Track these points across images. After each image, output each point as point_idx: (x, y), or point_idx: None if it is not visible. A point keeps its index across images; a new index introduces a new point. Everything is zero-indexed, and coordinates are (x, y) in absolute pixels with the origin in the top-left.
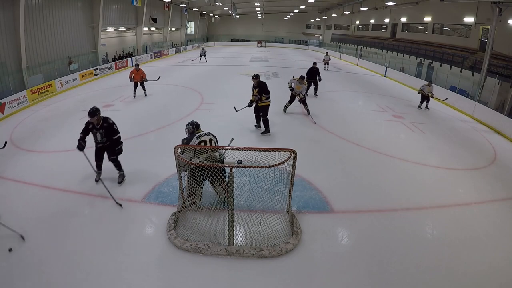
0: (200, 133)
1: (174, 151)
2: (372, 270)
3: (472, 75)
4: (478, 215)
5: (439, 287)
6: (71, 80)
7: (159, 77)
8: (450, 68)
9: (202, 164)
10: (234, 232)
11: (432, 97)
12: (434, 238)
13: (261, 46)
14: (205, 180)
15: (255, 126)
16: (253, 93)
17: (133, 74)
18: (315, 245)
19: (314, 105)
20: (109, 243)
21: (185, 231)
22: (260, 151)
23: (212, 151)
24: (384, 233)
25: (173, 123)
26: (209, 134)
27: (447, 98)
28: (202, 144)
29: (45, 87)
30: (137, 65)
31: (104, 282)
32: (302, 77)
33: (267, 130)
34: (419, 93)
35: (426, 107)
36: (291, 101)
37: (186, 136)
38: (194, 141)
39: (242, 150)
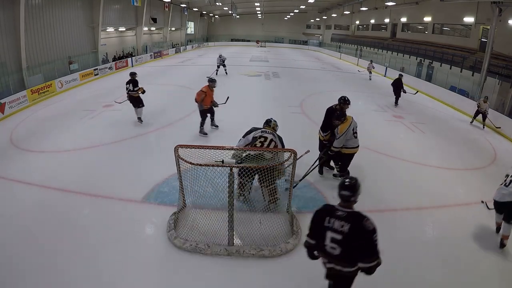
0: (267, 130)
1: (174, 151)
2: None
3: (472, 75)
4: (479, 215)
5: (439, 287)
6: (71, 80)
7: (228, 97)
8: (450, 68)
9: (202, 164)
10: (234, 232)
11: (487, 114)
12: (434, 238)
13: (260, 46)
14: (255, 175)
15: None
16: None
17: (203, 96)
18: None
19: (314, 105)
20: (109, 243)
21: (185, 231)
22: (260, 151)
23: (264, 150)
24: (384, 233)
25: (173, 123)
26: (274, 135)
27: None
28: (261, 139)
29: (45, 87)
30: (212, 80)
31: (104, 282)
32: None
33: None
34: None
35: (483, 126)
36: None
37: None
38: (257, 133)
39: (242, 150)
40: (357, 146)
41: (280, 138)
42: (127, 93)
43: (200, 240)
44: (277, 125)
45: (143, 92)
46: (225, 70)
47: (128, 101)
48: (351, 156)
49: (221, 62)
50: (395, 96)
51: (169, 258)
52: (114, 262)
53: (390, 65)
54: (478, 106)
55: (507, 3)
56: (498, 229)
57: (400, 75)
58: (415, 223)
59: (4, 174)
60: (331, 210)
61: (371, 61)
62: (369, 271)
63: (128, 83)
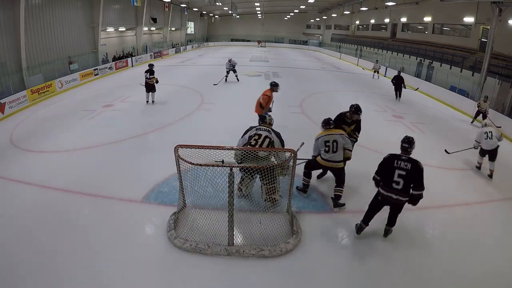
0: (262, 127)
1: (174, 151)
2: (372, 269)
3: (472, 75)
4: (479, 215)
5: (439, 287)
6: (71, 80)
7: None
8: (450, 68)
9: (202, 164)
10: (234, 232)
11: (487, 114)
12: (434, 238)
13: (261, 46)
14: (256, 174)
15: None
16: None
17: (267, 100)
18: (315, 245)
19: (314, 105)
20: (109, 243)
21: (185, 231)
22: (260, 151)
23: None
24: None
25: (173, 123)
26: (269, 131)
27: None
28: (256, 137)
29: (45, 87)
30: (276, 84)
31: (104, 282)
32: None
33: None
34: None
35: (485, 124)
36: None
37: None
38: (252, 131)
39: (242, 150)
40: (330, 161)
41: (277, 134)
42: (145, 79)
43: (200, 240)
44: (272, 120)
45: (157, 81)
46: (236, 76)
47: (144, 87)
48: (324, 167)
49: (231, 67)
50: (397, 91)
51: (169, 258)
52: (114, 262)
53: (390, 65)
54: (478, 106)
55: (507, 3)
56: (479, 168)
57: (399, 71)
58: (415, 223)
59: (4, 174)
60: (398, 156)
61: (377, 61)
62: (417, 199)
63: (146, 72)
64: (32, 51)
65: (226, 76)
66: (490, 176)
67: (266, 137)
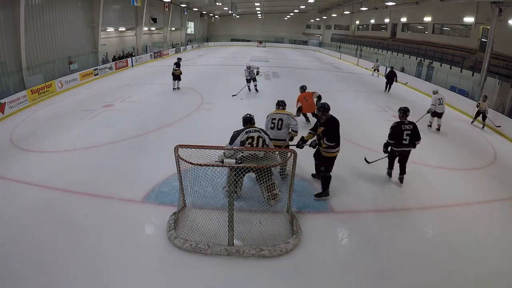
0: (250, 129)
1: (174, 151)
2: (372, 269)
3: (472, 75)
4: (479, 215)
5: (439, 287)
6: (71, 80)
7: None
8: (450, 68)
9: (202, 164)
10: (234, 232)
11: (487, 114)
12: (434, 238)
13: (262, 46)
14: (246, 173)
15: (312, 175)
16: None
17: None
18: (315, 245)
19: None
20: (109, 243)
21: (185, 231)
22: (260, 151)
23: (256, 150)
24: (384, 233)
25: (173, 123)
26: (259, 131)
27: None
28: (249, 140)
29: (45, 87)
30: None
31: (104, 282)
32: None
33: (324, 193)
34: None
35: (483, 127)
36: None
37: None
38: (243, 136)
39: (242, 150)
40: (274, 139)
41: (264, 132)
42: (172, 70)
43: (200, 240)
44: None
45: (181, 73)
46: (255, 86)
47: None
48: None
49: (251, 75)
50: (388, 85)
51: (169, 258)
52: (114, 262)
53: (390, 65)
54: (477, 106)
55: (507, 3)
56: (430, 126)
57: (392, 67)
58: (415, 223)
59: (4, 174)
60: (402, 122)
61: (377, 60)
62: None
63: (174, 64)
64: (32, 51)
65: (248, 86)
66: (438, 129)
67: (259, 137)
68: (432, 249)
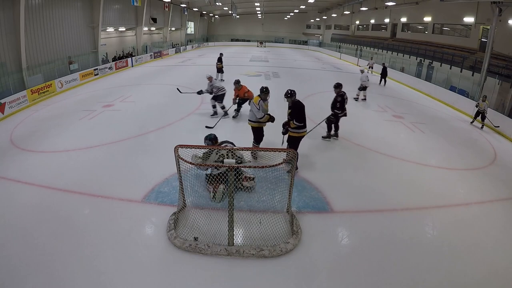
0: (212, 150)
1: (174, 151)
2: (372, 270)
3: (472, 75)
4: (479, 215)
5: (439, 287)
6: (71, 80)
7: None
8: (450, 68)
9: (203, 164)
10: (234, 232)
11: (486, 114)
12: (434, 238)
13: (262, 47)
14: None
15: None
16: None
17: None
18: (315, 245)
19: (314, 104)
20: (109, 243)
21: (185, 231)
22: (260, 151)
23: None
24: (384, 233)
25: (173, 123)
26: (221, 143)
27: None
28: (222, 158)
29: (45, 87)
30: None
31: (104, 281)
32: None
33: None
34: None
35: (482, 126)
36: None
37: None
38: (214, 156)
39: (242, 150)
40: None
41: (228, 141)
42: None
43: (200, 240)
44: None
45: (222, 66)
46: (223, 108)
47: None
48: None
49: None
50: (382, 79)
51: (169, 258)
52: (114, 262)
53: (390, 65)
54: (477, 106)
55: (507, 3)
56: (357, 99)
57: (383, 64)
58: (415, 223)
59: (4, 174)
60: (344, 93)
61: (372, 58)
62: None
63: (217, 59)
64: (32, 51)
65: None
66: (364, 99)
67: (228, 149)
68: (432, 249)
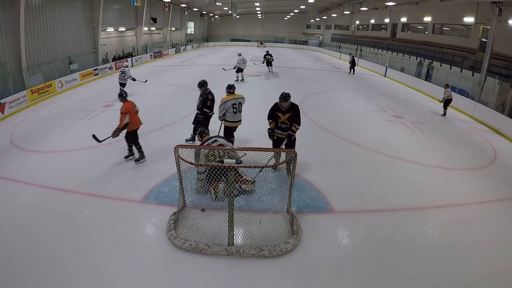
0: (209, 141)
1: (174, 151)
2: (372, 270)
3: (472, 75)
4: (479, 215)
5: (439, 287)
6: (71, 80)
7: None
8: (450, 68)
9: (202, 164)
10: (234, 232)
11: (444, 101)
12: (434, 238)
13: (263, 47)
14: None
15: None
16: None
17: None
18: (315, 245)
19: (314, 104)
20: (109, 243)
21: (185, 231)
22: (260, 151)
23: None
24: (384, 233)
25: (173, 123)
26: (214, 140)
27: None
28: (217, 157)
29: (45, 87)
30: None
31: (104, 281)
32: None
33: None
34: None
35: (444, 114)
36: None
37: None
38: (208, 156)
39: (242, 150)
40: (236, 121)
41: (220, 136)
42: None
43: (200, 240)
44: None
45: (273, 60)
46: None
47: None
48: (230, 129)
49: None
50: (351, 69)
51: (169, 258)
52: (114, 262)
53: (390, 65)
54: (442, 100)
55: (507, 3)
56: (237, 80)
57: (352, 55)
58: (415, 223)
59: (4, 174)
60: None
61: (350, 54)
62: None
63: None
64: (32, 51)
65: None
66: (243, 79)
67: (221, 146)
68: (432, 249)
